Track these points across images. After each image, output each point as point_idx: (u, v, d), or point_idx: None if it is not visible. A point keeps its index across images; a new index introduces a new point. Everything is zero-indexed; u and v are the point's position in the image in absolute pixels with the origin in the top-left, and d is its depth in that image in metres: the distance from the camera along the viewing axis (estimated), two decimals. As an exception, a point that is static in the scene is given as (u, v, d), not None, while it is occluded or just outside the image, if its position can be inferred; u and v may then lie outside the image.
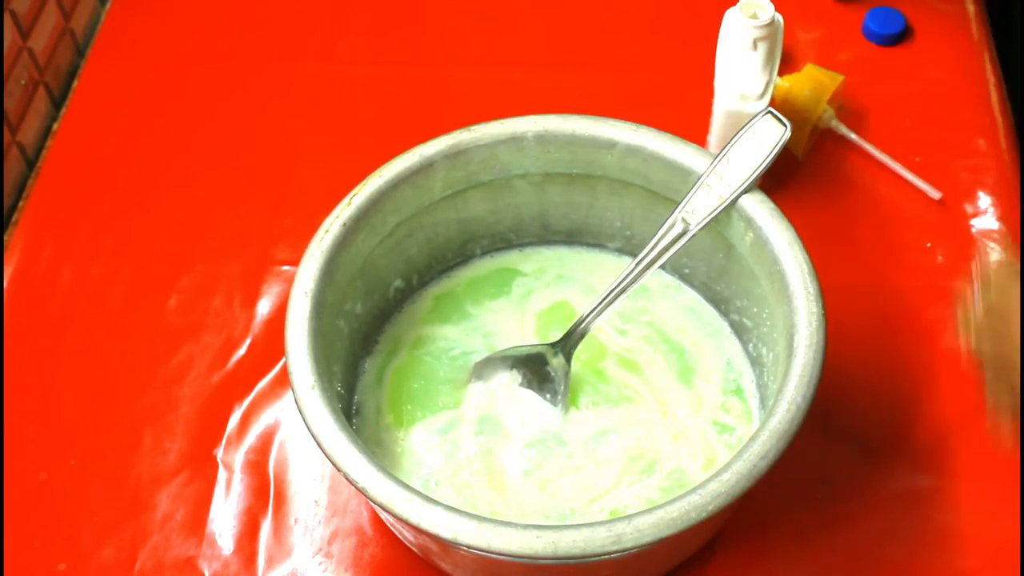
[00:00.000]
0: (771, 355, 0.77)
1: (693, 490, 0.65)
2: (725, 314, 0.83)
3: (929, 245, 0.91)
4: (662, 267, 0.77)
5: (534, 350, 0.79)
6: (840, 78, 0.96)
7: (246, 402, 0.86)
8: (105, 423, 0.85)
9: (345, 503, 0.81)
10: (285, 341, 0.72)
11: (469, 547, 0.65)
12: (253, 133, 1.01)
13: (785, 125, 0.75)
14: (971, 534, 0.79)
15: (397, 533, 0.78)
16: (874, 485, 0.81)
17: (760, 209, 0.75)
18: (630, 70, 1.03)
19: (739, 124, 0.81)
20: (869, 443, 0.83)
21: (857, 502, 0.80)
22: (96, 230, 0.95)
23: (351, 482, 0.67)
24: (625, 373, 0.81)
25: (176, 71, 1.05)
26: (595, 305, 0.77)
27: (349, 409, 0.80)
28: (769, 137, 0.75)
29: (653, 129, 0.78)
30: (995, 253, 0.90)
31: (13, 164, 0.98)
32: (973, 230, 0.92)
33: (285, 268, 0.92)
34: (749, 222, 0.75)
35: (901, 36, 1.03)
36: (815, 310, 0.71)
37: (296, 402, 0.70)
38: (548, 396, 0.79)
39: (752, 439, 0.67)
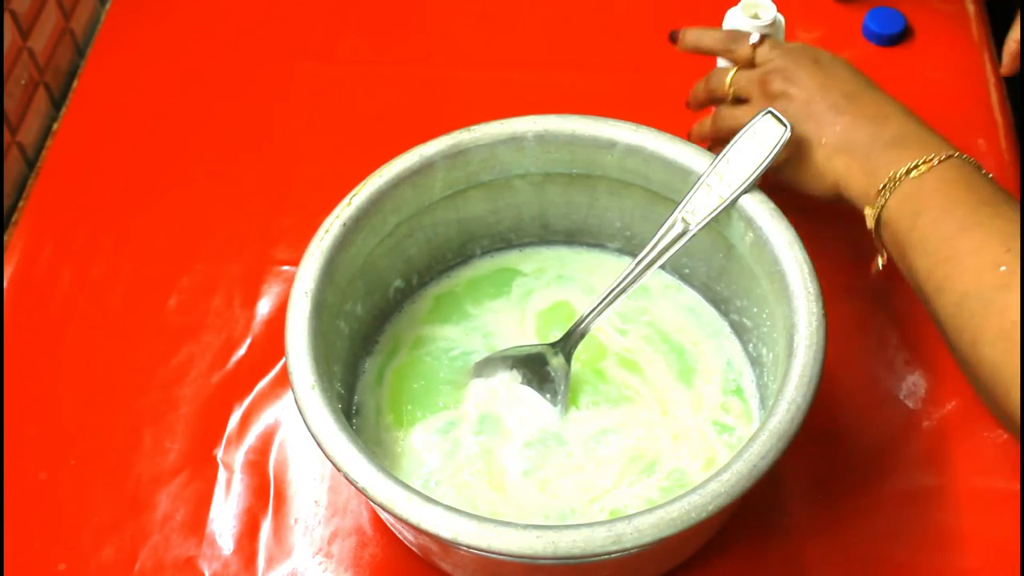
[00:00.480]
0: (771, 355, 0.77)
1: (693, 490, 0.65)
2: (725, 314, 0.83)
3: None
4: (662, 267, 0.77)
5: (534, 350, 0.79)
6: (840, 78, 0.96)
7: (246, 402, 0.86)
8: (105, 423, 0.85)
9: (345, 503, 0.81)
10: (285, 341, 0.71)
11: (469, 547, 0.65)
12: (253, 133, 1.01)
13: (785, 125, 0.75)
14: (971, 534, 0.79)
15: (397, 533, 0.78)
16: (874, 485, 0.81)
17: (760, 209, 0.75)
18: (630, 70, 1.03)
19: None
20: (869, 443, 0.83)
21: (857, 502, 0.80)
22: (96, 230, 0.95)
23: (351, 482, 0.67)
24: (625, 373, 0.81)
25: (176, 71, 1.05)
26: (595, 305, 0.77)
27: (349, 409, 0.80)
28: (769, 137, 0.75)
29: (653, 129, 0.78)
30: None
31: (13, 164, 0.98)
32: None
33: (285, 268, 0.92)
34: (749, 222, 0.75)
35: (901, 36, 1.03)
36: (815, 310, 0.71)
37: (296, 402, 0.70)
38: (548, 396, 0.79)
39: (752, 439, 0.67)
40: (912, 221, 0.72)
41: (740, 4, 0.86)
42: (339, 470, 0.67)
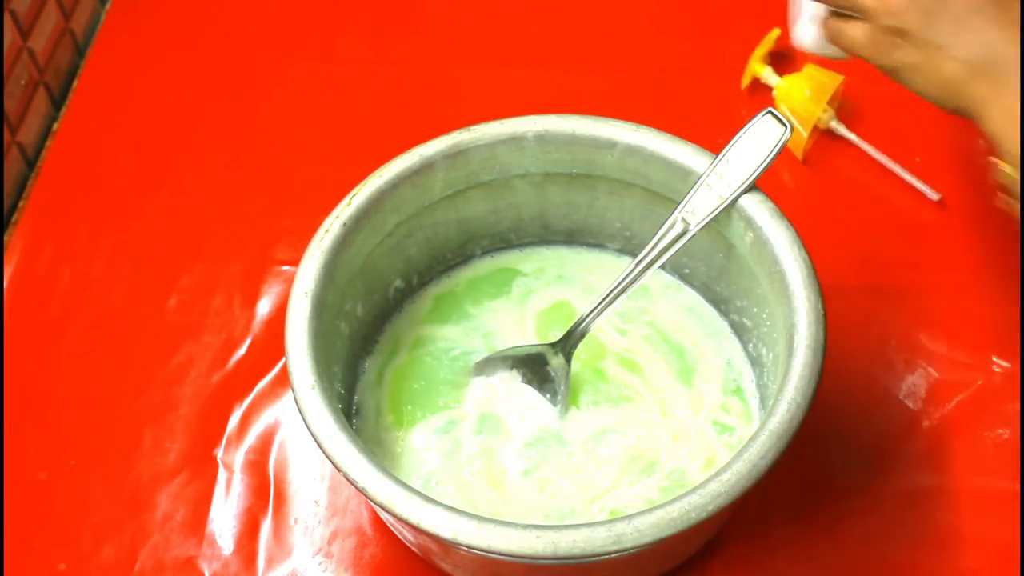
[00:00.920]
0: (771, 355, 0.77)
1: (693, 490, 0.65)
2: (725, 314, 0.83)
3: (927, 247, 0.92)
4: (662, 267, 0.76)
5: (534, 350, 0.79)
6: (840, 78, 0.96)
7: (246, 402, 0.86)
8: (105, 423, 0.85)
9: (345, 503, 0.81)
10: (285, 341, 0.71)
11: (469, 547, 0.65)
12: (253, 133, 1.01)
13: (785, 125, 0.75)
14: (971, 534, 0.79)
15: (397, 533, 0.78)
16: (874, 485, 0.81)
17: (760, 209, 0.75)
18: (630, 70, 1.03)
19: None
20: (869, 443, 0.83)
21: (857, 502, 0.80)
22: (96, 230, 0.95)
23: (351, 482, 0.67)
24: (625, 373, 0.81)
25: (176, 71, 1.05)
26: (595, 305, 0.77)
27: (349, 409, 0.80)
28: (769, 137, 0.75)
29: (653, 129, 0.78)
30: (994, 254, 0.90)
31: (13, 164, 0.98)
32: (972, 231, 0.92)
33: (285, 268, 0.92)
34: (749, 222, 0.75)
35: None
36: (815, 310, 0.71)
37: (296, 402, 0.70)
38: (548, 396, 0.79)
39: (752, 439, 0.67)
40: None
41: None
42: (339, 470, 0.67)
